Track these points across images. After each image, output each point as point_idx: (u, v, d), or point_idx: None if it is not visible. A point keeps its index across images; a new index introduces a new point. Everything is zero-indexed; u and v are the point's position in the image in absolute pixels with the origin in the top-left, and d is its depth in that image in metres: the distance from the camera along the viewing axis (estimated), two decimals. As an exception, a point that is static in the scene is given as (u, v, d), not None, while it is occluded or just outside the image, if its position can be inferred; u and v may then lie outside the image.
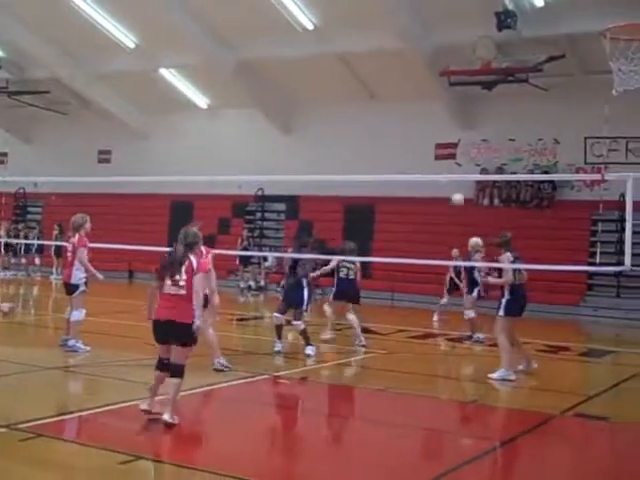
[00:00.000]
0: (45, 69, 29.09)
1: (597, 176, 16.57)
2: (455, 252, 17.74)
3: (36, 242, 28.67)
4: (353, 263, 14.98)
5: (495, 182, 25.31)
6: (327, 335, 15.19)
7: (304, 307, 13.51)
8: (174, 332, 8.43)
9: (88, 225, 13.23)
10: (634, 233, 10.50)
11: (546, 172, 24.29)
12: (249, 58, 25.93)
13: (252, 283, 26.35)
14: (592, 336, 20.17)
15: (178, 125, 30.55)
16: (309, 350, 13.43)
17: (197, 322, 8.43)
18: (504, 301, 12.12)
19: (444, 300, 18.58)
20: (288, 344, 14.16)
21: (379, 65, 24.66)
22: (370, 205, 26.41)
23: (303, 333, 13.58)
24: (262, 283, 26.49)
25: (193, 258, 8.56)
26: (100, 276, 13.20)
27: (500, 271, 12.36)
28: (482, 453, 8.27)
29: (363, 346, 14.71)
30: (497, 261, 12.49)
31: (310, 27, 24.16)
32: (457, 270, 17.40)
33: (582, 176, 24.50)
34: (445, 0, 21.41)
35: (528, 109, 24.36)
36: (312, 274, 14.09)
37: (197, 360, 11.08)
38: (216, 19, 24.71)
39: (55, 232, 27.40)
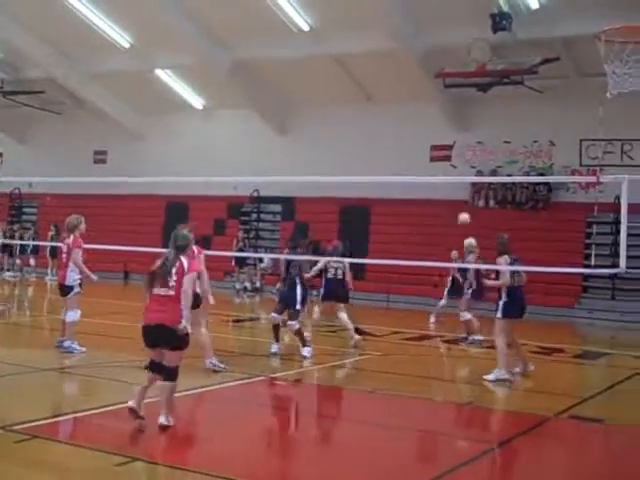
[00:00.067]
0: (40, 69, 29.06)
1: (592, 178, 16.63)
2: (454, 254, 17.73)
3: (31, 243, 28.64)
4: (341, 263, 14.99)
5: (490, 184, 25.33)
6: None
7: (298, 307, 13.49)
8: (164, 336, 8.35)
9: (83, 226, 13.22)
10: (629, 235, 10.50)
11: (541, 174, 24.31)
12: (244, 59, 25.93)
13: (248, 284, 26.35)
14: (587, 338, 20.20)
15: (173, 126, 30.53)
16: (305, 352, 13.42)
17: (184, 323, 8.31)
18: (501, 303, 12.16)
19: (443, 302, 18.52)
20: (284, 345, 14.13)
21: (374, 67, 24.67)
22: (366, 207, 26.42)
23: (298, 333, 13.56)
24: (258, 284, 26.50)
25: (184, 259, 8.53)
26: (94, 277, 13.19)
27: (498, 273, 12.40)
28: (477, 455, 8.29)
29: (355, 347, 14.73)
30: (495, 263, 12.54)
31: (305, 28, 24.17)
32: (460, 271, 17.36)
33: (577, 178, 24.56)
34: (440, 2, 21.42)
35: (523, 111, 24.39)
36: (306, 275, 14.08)
37: (191, 361, 11.09)
38: (211, 19, 24.71)
39: (51, 233, 27.35)
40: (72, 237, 13.03)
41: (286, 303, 13.57)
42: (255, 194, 28.74)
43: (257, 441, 8.58)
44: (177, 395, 8.84)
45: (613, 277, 21.14)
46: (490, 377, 12.06)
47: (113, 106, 30.81)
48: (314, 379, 12.51)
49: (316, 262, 15.29)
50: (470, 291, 16.37)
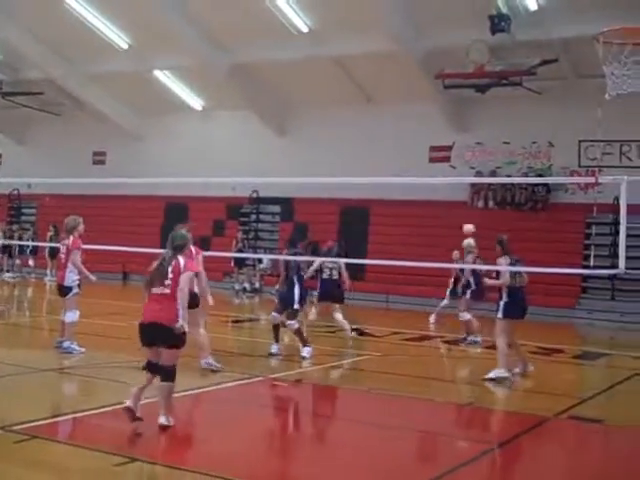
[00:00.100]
0: (39, 70, 29.06)
1: (591, 179, 16.66)
2: (456, 254, 17.67)
3: (31, 243, 28.64)
4: (336, 263, 14.97)
5: (490, 185, 25.34)
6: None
7: (296, 306, 13.46)
8: (160, 335, 8.34)
9: (81, 227, 13.22)
10: (628, 236, 10.51)
11: (540, 175, 24.31)
12: (243, 60, 25.93)
13: (247, 285, 26.35)
14: (586, 339, 20.20)
15: (172, 127, 30.53)
16: (305, 352, 13.40)
17: (180, 322, 8.28)
18: (502, 304, 12.21)
19: (445, 302, 18.37)
20: (284, 346, 14.12)
21: (373, 68, 24.66)
22: (365, 207, 26.42)
23: (298, 333, 13.54)
24: (257, 285, 26.50)
25: (181, 259, 8.52)
26: (93, 278, 13.19)
27: (498, 273, 12.44)
28: (477, 456, 8.29)
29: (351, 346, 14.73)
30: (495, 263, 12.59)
31: (305, 30, 24.17)
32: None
33: (576, 179, 24.54)
34: (439, 3, 21.42)
35: (522, 112, 24.40)
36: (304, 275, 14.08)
37: (189, 361, 11.12)
38: (210, 21, 24.70)
39: (50, 233, 27.33)
40: (71, 238, 13.03)
41: (285, 303, 13.57)
42: (254, 195, 28.75)
43: (256, 441, 8.57)
44: (176, 395, 8.84)
45: (612, 278, 21.12)
46: (490, 375, 12.11)
47: (112, 107, 30.81)
48: (313, 379, 12.49)
49: (312, 263, 15.30)
50: (469, 291, 16.38)
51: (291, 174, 23.76)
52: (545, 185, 24.48)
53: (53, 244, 22.60)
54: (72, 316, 12.88)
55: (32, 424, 8.37)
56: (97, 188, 27.63)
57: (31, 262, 29.38)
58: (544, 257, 19.89)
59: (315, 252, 19.06)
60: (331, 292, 15.08)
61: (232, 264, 26.11)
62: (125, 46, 27.27)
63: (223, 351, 13.76)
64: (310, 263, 15.13)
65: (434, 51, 22.79)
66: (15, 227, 31.40)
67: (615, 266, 11.70)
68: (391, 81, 24.99)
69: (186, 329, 8.42)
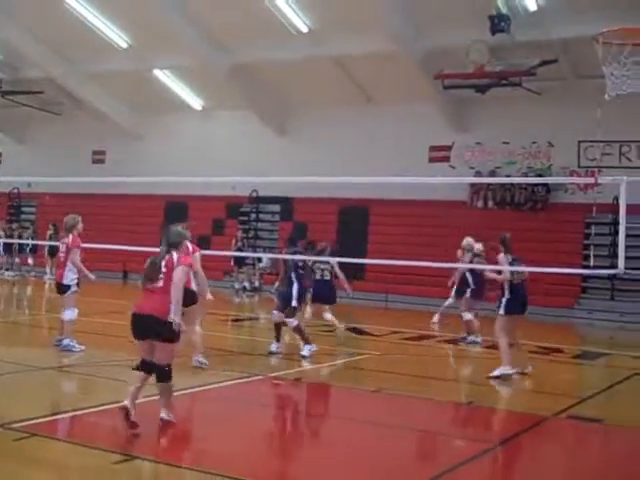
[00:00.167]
0: (39, 69, 29.05)
1: (591, 179, 16.68)
2: (460, 253, 17.63)
3: (30, 242, 28.66)
4: (328, 264, 14.93)
5: (489, 185, 25.35)
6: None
7: (294, 303, 13.44)
8: (153, 327, 8.22)
9: (80, 226, 13.23)
10: (627, 236, 10.53)
11: (540, 175, 24.31)
12: (243, 60, 25.92)
13: (247, 284, 26.37)
14: (586, 338, 20.21)
15: (172, 126, 30.53)
16: (305, 350, 13.38)
17: (174, 317, 8.13)
18: (504, 300, 12.34)
19: (450, 301, 18.03)
20: (285, 344, 14.09)
21: (373, 68, 24.65)
22: (364, 207, 26.42)
23: (298, 331, 13.52)
24: (257, 284, 26.51)
25: (175, 254, 8.44)
26: (92, 277, 13.22)
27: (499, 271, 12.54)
28: (476, 455, 8.29)
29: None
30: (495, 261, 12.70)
31: (304, 30, 24.16)
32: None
33: (576, 179, 24.54)
34: (439, 4, 21.42)
35: (522, 112, 24.40)
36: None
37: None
38: (210, 21, 24.70)
39: (49, 232, 27.35)
40: (70, 237, 13.03)
41: (284, 301, 13.58)
42: (254, 194, 28.76)
43: (256, 440, 8.57)
44: (175, 394, 8.84)
45: (612, 278, 21.15)
46: (495, 373, 12.20)
47: (111, 106, 30.81)
48: (313, 378, 12.50)
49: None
50: (469, 291, 16.39)
51: (291, 174, 23.78)
52: (545, 185, 24.48)
53: (53, 243, 22.62)
54: (71, 314, 12.90)
55: (31, 422, 8.37)
56: (97, 187, 27.62)
57: (30, 261, 29.40)
58: (544, 257, 19.90)
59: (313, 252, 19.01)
60: (323, 293, 14.98)
61: (232, 263, 26.14)
62: (125, 45, 27.27)
63: (223, 350, 13.81)
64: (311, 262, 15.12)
65: (434, 51, 22.79)
66: (15, 226, 31.40)
67: (614, 266, 11.73)
68: (391, 81, 24.99)
69: (183, 328, 8.39)
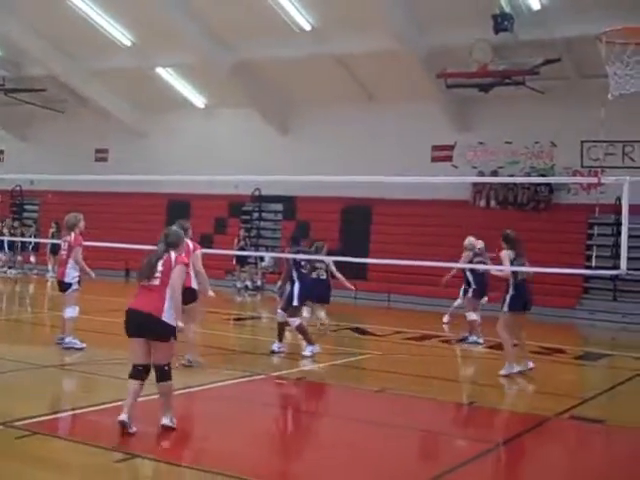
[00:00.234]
0: (41, 66, 29.07)
1: (594, 179, 16.64)
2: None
3: (33, 240, 28.68)
4: (323, 263, 14.89)
5: (492, 184, 25.31)
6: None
7: (295, 303, 13.41)
8: (152, 327, 8.10)
9: (82, 224, 13.23)
10: (630, 237, 10.50)
11: (543, 175, 24.28)
12: (246, 58, 25.92)
13: (249, 283, 26.35)
14: (588, 339, 20.18)
15: (175, 124, 30.52)
16: (307, 351, 13.35)
17: (165, 315, 8.05)
18: (508, 297, 12.41)
19: (458, 301, 17.93)
20: (287, 344, 14.07)
21: (376, 66, 24.65)
22: (367, 206, 26.41)
23: (300, 331, 13.49)
24: (259, 283, 26.48)
25: (172, 253, 8.35)
26: (92, 275, 13.22)
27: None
28: (478, 455, 8.28)
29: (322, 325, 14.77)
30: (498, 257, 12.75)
31: (307, 28, 24.16)
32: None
33: (579, 179, 24.51)
34: (442, 2, 21.42)
35: (525, 112, 24.36)
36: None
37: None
38: (213, 18, 24.70)
39: (52, 230, 27.39)
40: (73, 235, 13.03)
41: (287, 300, 13.56)
42: (256, 193, 28.75)
43: (257, 439, 8.55)
44: (177, 393, 8.83)
45: (614, 278, 21.13)
46: (502, 372, 12.27)
47: (114, 104, 30.81)
48: (315, 378, 12.48)
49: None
50: (471, 290, 16.37)
51: (293, 172, 23.75)
52: (547, 185, 24.46)
53: (55, 241, 22.63)
54: (72, 312, 12.91)
55: (33, 420, 8.37)
56: (99, 185, 27.68)
57: (33, 258, 29.42)
58: (546, 257, 19.85)
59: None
60: (317, 292, 14.93)
61: (234, 262, 26.13)
62: (128, 43, 27.28)
63: (225, 349, 13.80)
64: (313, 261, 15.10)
65: (437, 50, 22.77)
66: (17, 224, 31.39)
67: (617, 267, 11.69)
68: (393, 80, 24.98)
69: (181, 325, 8.31)
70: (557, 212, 24.20)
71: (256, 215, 29.28)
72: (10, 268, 29.06)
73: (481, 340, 15.87)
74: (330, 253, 16.00)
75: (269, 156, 27.27)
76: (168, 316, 8.11)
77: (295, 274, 13.51)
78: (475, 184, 25.45)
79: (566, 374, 14.04)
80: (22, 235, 29.82)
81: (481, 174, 25.01)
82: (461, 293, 17.53)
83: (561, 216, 23.89)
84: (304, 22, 24.02)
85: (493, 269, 14.33)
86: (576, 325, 21.43)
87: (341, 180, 22.30)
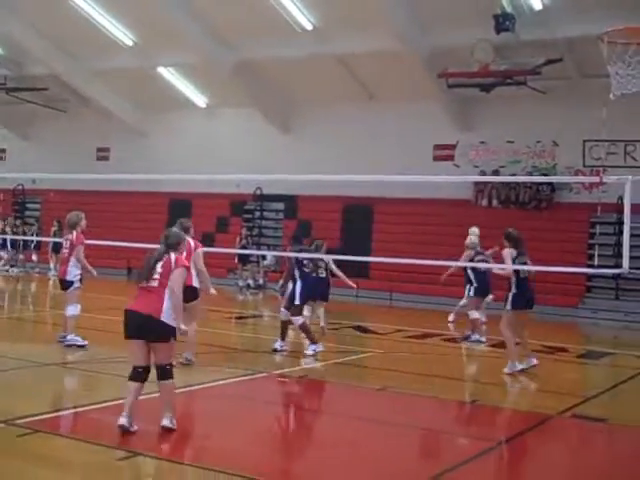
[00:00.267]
0: (43, 66, 29.09)
1: (595, 179, 16.61)
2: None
3: (35, 238, 28.71)
4: (322, 261, 14.90)
5: (493, 184, 25.31)
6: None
7: (297, 302, 13.39)
8: (152, 329, 8.04)
9: (83, 222, 13.25)
10: (632, 236, 10.51)
11: (545, 174, 24.28)
12: (248, 58, 25.92)
13: (251, 282, 26.36)
14: (590, 338, 20.18)
15: (176, 123, 30.54)
16: (310, 350, 13.34)
17: (164, 316, 8.04)
18: (511, 295, 12.44)
19: (464, 301, 17.61)
20: (289, 342, 14.06)
21: (378, 66, 24.65)
22: (369, 205, 26.41)
23: (303, 329, 13.48)
24: (261, 282, 26.50)
25: (172, 255, 8.30)
26: (94, 273, 13.23)
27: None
28: (479, 453, 8.28)
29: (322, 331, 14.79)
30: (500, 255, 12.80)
31: (309, 28, 24.16)
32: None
33: (581, 178, 24.53)
34: (444, 2, 21.41)
35: (526, 111, 24.36)
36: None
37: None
38: (215, 18, 24.71)
39: (54, 229, 27.41)
40: (75, 233, 13.05)
41: (289, 299, 13.56)
42: (258, 192, 28.76)
43: (259, 437, 8.55)
44: (179, 391, 8.83)
45: (616, 277, 21.15)
46: (506, 370, 12.31)
47: (116, 103, 30.83)
48: (317, 376, 12.48)
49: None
50: (472, 289, 16.34)
51: (295, 171, 23.76)
52: (549, 184, 24.46)
53: (57, 239, 22.64)
54: (73, 309, 12.92)
55: (35, 418, 8.37)
56: (101, 184, 27.70)
57: (34, 257, 29.44)
58: (548, 256, 19.88)
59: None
60: (318, 291, 14.87)
61: (236, 261, 26.15)
62: (130, 43, 27.30)
63: (227, 347, 13.80)
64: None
65: (438, 50, 22.77)
66: (19, 222, 31.40)
67: (619, 266, 11.70)
68: (395, 79, 24.98)
69: (183, 328, 8.29)
70: (559, 211, 24.20)
71: (258, 214, 29.30)
72: (12, 266, 29.08)
73: (483, 338, 15.87)
74: (331, 252, 15.98)
75: (270, 155, 27.28)
76: (167, 316, 8.07)
77: (297, 273, 13.50)
78: (477, 183, 25.46)
79: (568, 373, 14.03)
80: (24, 234, 29.84)
81: (483, 173, 25.03)
82: (466, 292, 17.50)
83: (563, 215, 23.89)
84: (306, 22, 24.02)
85: (494, 267, 14.34)
86: (578, 324, 21.43)
87: (342, 179, 22.32)
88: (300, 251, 13.89)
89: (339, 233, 26.12)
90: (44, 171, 25.23)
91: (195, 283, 11.52)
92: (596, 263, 22.09)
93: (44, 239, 27.47)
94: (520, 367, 12.37)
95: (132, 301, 8.31)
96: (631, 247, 10.33)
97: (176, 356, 11.09)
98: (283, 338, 13.64)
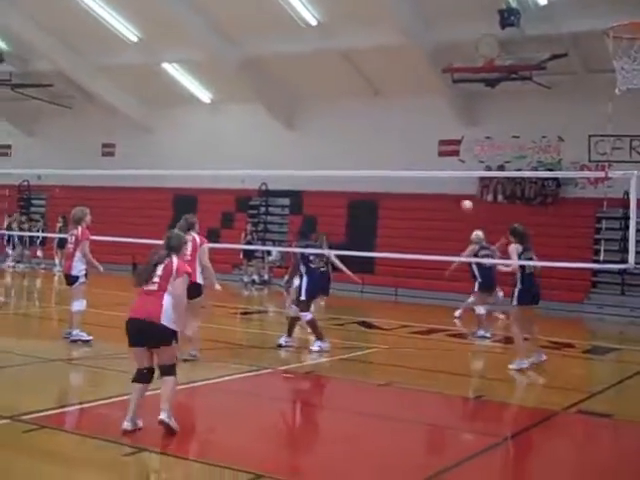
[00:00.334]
0: (48, 62, 29.11)
1: (601, 174, 16.63)
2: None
3: (40, 234, 28.76)
4: (324, 256, 14.87)
5: (499, 179, 25.28)
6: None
7: (302, 297, 13.37)
8: (153, 335, 7.95)
9: (88, 218, 13.27)
10: (638, 231, 10.54)
11: (550, 169, 24.24)
12: (252, 53, 25.89)
13: (256, 277, 26.39)
14: (596, 333, 20.14)
15: (181, 119, 30.56)
16: (315, 346, 13.33)
17: (164, 320, 7.93)
18: (516, 291, 12.46)
19: (472, 298, 17.26)
20: (295, 338, 14.04)
21: (382, 61, 24.61)
22: (374, 201, 26.40)
23: (311, 325, 13.47)
24: (266, 277, 26.52)
25: (175, 259, 8.25)
26: (100, 268, 13.25)
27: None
28: (484, 449, 8.28)
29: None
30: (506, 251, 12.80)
31: (313, 23, 24.13)
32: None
33: (586, 174, 24.45)
34: (449, -3, 21.42)
35: (532, 107, 24.31)
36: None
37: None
38: (219, 14, 24.69)
39: (59, 224, 27.46)
40: (80, 229, 13.07)
41: (296, 295, 13.55)
42: (263, 188, 28.76)
43: (264, 433, 8.56)
44: (184, 387, 8.85)
45: (622, 272, 21.10)
46: (513, 366, 12.31)
47: (121, 99, 30.83)
48: (322, 371, 12.48)
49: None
50: (477, 284, 16.28)
51: (300, 167, 23.71)
52: (555, 179, 24.41)
53: (62, 235, 22.68)
54: (79, 305, 12.93)
55: (41, 414, 8.38)
56: (106, 180, 27.67)
57: (40, 253, 29.50)
58: (554, 251, 19.79)
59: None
60: (319, 285, 14.82)
61: (241, 256, 26.17)
62: (134, 39, 27.30)
63: (232, 343, 13.80)
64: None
65: (443, 45, 22.73)
66: (24, 218, 31.45)
67: (625, 261, 11.69)
68: (400, 75, 24.96)
69: (188, 334, 8.22)
70: (565, 206, 24.15)
71: (263, 209, 29.30)
72: (18, 262, 29.14)
73: (489, 334, 15.86)
74: (337, 247, 15.95)
75: (276, 151, 27.29)
76: (167, 319, 7.97)
77: (303, 268, 13.49)
78: (482, 178, 25.42)
79: (574, 368, 14.03)
80: (29, 230, 29.90)
81: (488, 168, 24.96)
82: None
83: (569, 210, 23.84)
84: (310, 17, 24.00)
85: (500, 263, 14.32)
86: (584, 319, 21.40)
87: (347, 175, 22.32)
88: (306, 247, 13.86)
89: (344, 229, 26.11)
90: (49, 167, 25.31)
91: (199, 280, 11.51)
92: (602, 258, 22.07)
93: (49, 235, 27.49)
94: (528, 363, 12.35)
95: (131, 306, 8.25)
96: (637, 242, 10.37)
97: (181, 352, 11.18)
98: (290, 334, 13.62)
